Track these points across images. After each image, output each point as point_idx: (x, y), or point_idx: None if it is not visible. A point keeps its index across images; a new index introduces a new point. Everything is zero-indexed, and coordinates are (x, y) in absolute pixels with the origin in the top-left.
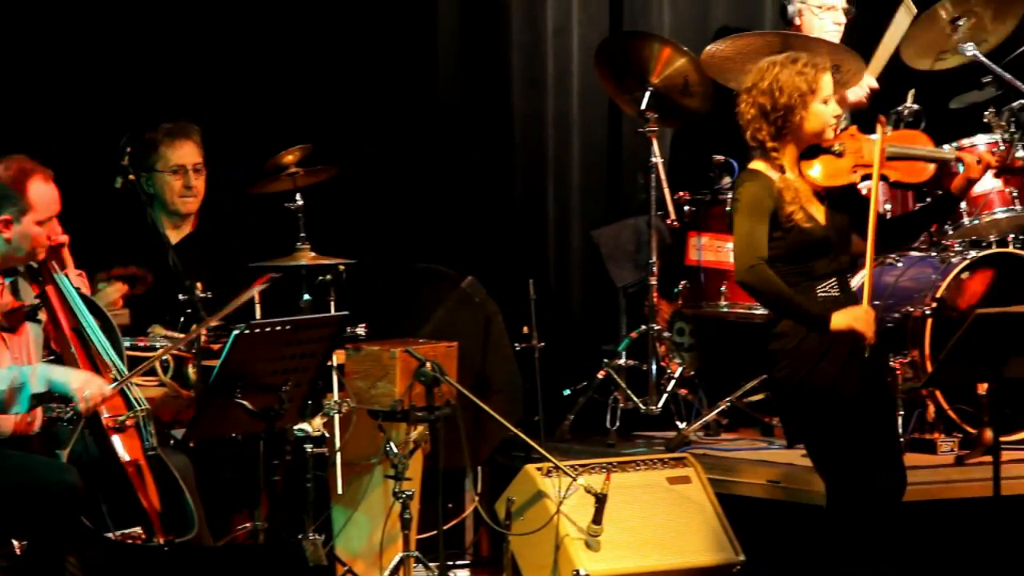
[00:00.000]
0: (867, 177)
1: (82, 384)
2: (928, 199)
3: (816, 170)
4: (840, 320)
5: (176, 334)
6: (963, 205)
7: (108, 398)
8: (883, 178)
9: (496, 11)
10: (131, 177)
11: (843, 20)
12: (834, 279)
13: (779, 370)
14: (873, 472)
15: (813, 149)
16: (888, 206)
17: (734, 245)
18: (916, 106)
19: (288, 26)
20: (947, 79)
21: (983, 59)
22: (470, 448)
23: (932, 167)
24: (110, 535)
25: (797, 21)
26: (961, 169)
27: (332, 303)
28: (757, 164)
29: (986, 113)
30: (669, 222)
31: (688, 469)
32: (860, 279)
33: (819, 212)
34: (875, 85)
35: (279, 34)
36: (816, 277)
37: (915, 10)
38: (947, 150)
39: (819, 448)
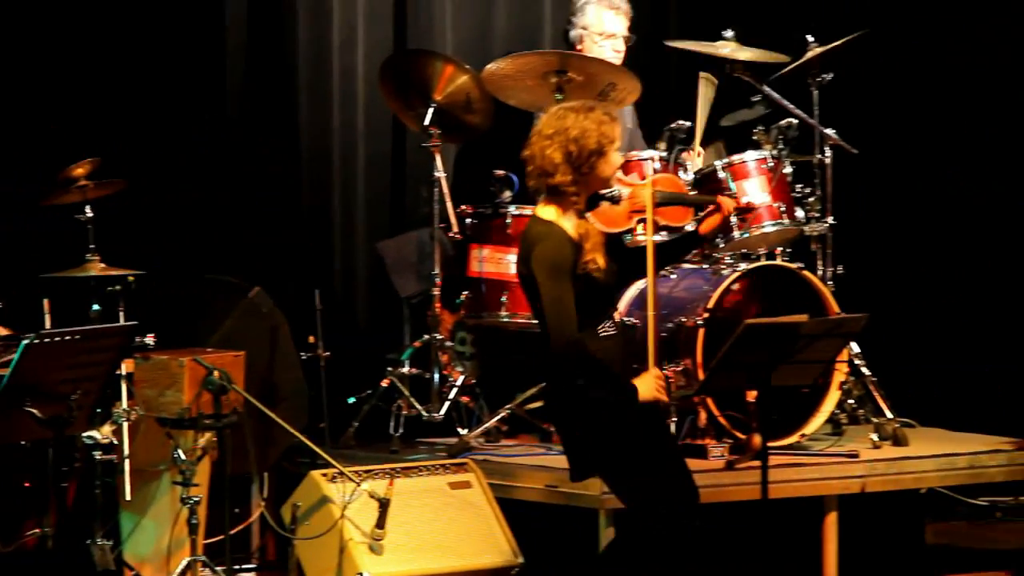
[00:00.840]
0: (641, 221)
1: None
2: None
3: (598, 217)
4: (645, 392)
5: None
6: (733, 220)
7: None
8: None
9: (282, 26)
10: None
11: (622, 48)
12: (610, 320)
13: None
14: (671, 490)
15: (592, 197)
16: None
17: (546, 311)
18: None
19: (77, 41)
20: (718, 98)
21: (752, 80)
22: (257, 455)
23: (692, 211)
24: None
25: (579, 46)
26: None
27: (121, 313)
28: (547, 211)
29: (755, 131)
30: (452, 235)
31: (469, 474)
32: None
33: (601, 259)
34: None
35: (68, 48)
36: (597, 321)
37: (715, 80)
38: (706, 196)
39: (618, 480)
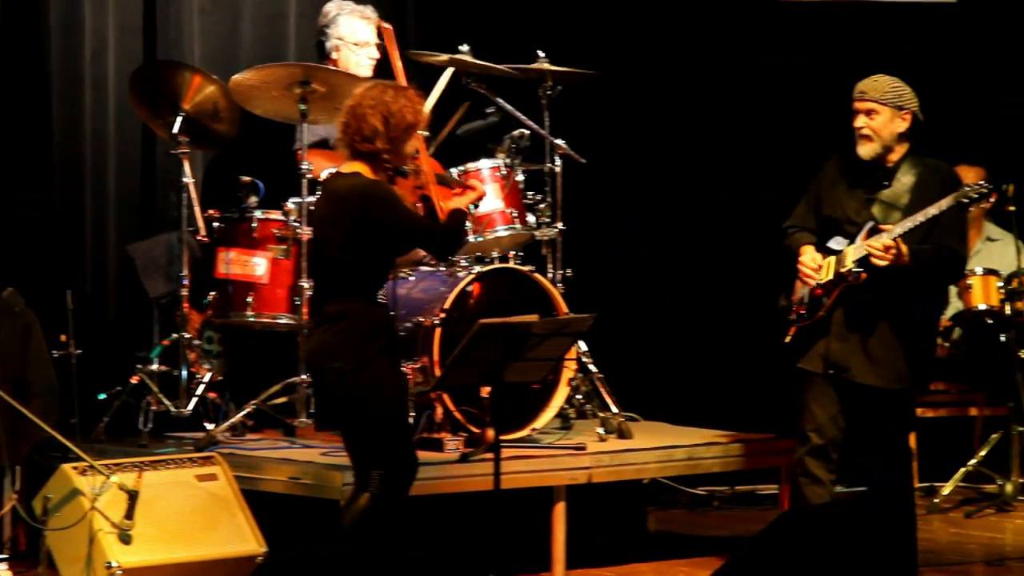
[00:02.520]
0: (423, 198)
1: None
2: None
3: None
4: None
5: None
6: (469, 224)
7: None
8: (427, 199)
9: (35, 37)
10: None
11: (376, 55)
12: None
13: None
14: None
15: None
16: None
17: (418, 227)
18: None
19: None
20: (454, 107)
21: (487, 92)
22: (8, 448)
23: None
24: None
25: (335, 55)
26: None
27: None
28: (359, 167)
29: (491, 141)
30: (200, 238)
31: (216, 467)
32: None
33: None
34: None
35: None
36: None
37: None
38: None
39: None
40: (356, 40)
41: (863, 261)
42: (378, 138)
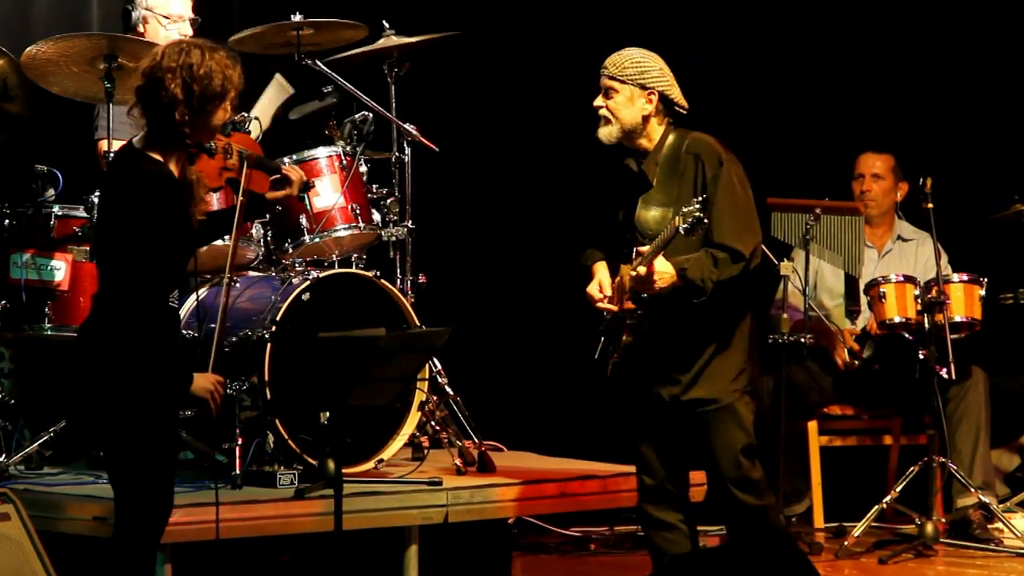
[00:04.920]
0: (231, 182)
1: None
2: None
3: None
4: (200, 384)
5: None
6: (304, 221)
7: None
8: (234, 184)
9: None
10: None
11: (189, 31)
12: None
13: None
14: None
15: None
16: None
17: (132, 250)
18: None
19: None
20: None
21: (324, 68)
22: None
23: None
24: None
25: (141, 28)
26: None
27: None
28: (151, 150)
29: (328, 125)
30: None
31: (6, 506)
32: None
33: (198, 216)
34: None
35: None
36: (171, 289)
37: (291, 91)
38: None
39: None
40: (168, 12)
41: (633, 293)
42: (178, 110)
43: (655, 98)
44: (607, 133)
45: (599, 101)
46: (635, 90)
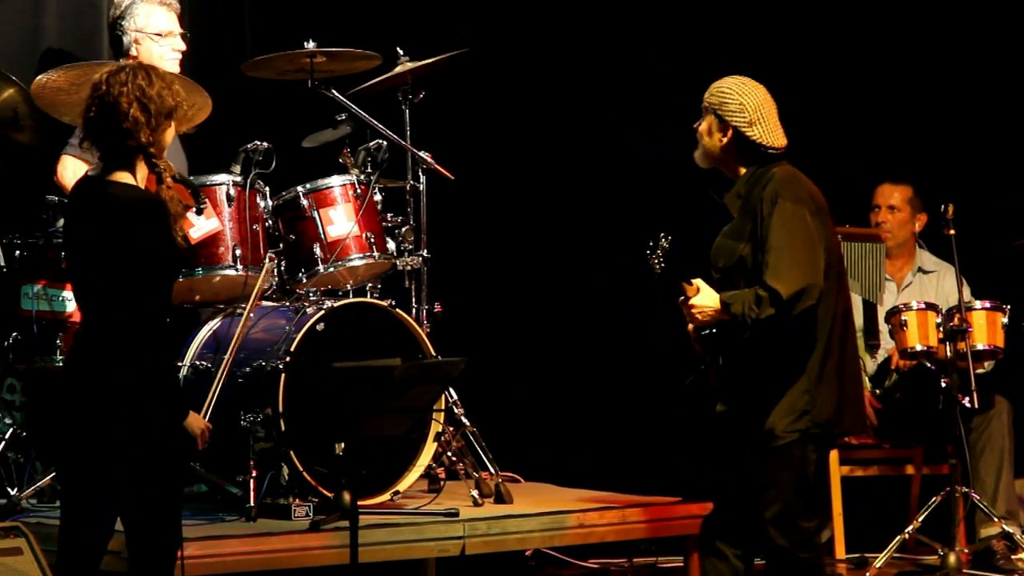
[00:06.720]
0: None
1: None
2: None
3: None
4: (194, 422)
5: None
6: (318, 251)
7: None
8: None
9: None
10: None
11: (183, 46)
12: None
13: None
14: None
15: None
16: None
17: (144, 269)
18: (266, 144)
19: None
20: (299, 116)
21: (338, 96)
22: None
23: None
24: None
25: (134, 51)
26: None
27: None
28: (124, 176)
29: (343, 153)
30: None
31: (19, 540)
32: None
33: (181, 233)
34: None
35: None
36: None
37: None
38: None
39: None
40: (158, 30)
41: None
42: (141, 131)
43: (730, 133)
44: (697, 156)
45: (698, 123)
46: (714, 121)
